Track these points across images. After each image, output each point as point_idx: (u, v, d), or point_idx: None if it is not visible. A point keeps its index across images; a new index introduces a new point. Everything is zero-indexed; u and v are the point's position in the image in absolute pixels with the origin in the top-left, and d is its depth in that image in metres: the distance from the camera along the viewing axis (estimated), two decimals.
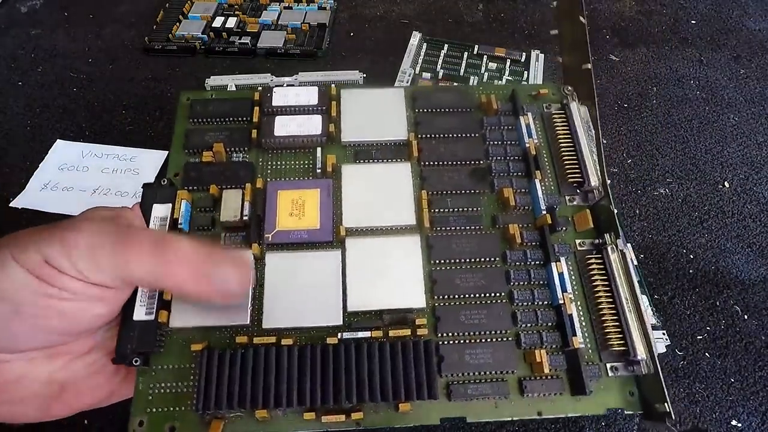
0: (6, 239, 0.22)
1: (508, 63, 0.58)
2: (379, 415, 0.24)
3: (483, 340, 0.25)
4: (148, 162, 0.49)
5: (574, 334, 0.25)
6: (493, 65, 0.57)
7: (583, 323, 0.26)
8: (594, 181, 0.28)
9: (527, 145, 0.30)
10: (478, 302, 0.26)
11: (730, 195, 0.48)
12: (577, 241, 0.28)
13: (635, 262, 0.41)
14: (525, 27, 0.64)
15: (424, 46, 0.60)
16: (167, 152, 0.50)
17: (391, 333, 0.25)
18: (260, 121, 0.30)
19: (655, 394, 0.24)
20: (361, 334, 0.25)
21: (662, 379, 0.23)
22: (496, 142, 0.30)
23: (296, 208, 0.28)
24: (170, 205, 0.27)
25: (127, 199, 0.46)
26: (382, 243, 0.27)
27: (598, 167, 0.28)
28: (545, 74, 0.57)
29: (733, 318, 0.40)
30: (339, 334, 0.25)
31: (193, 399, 0.24)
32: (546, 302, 0.27)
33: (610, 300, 0.26)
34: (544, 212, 0.28)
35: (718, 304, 0.41)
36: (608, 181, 0.29)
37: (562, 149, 0.30)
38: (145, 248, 0.22)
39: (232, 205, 0.27)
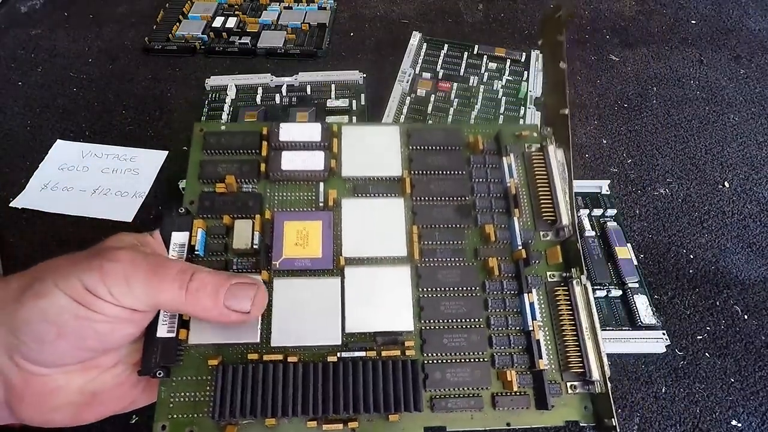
0: (47, 267, 0.25)
1: (508, 63, 0.58)
2: (371, 424, 0.27)
3: (462, 361, 0.29)
4: (148, 162, 0.49)
5: (540, 357, 0.28)
6: (493, 65, 0.57)
7: (549, 347, 0.30)
8: (565, 220, 0.31)
9: (508, 184, 0.33)
10: (459, 327, 0.30)
11: (730, 195, 0.48)
12: (548, 273, 0.31)
13: (635, 262, 0.41)
14: (525, 27, 0.64)
15: (424, 46, 0.60)
16: (167, 152, 0.50)
17: (383, 353, 0.28)
18: (268, 155, 0.33)
19: (605, 410, 0.27)
20: (357, 354, 0.28)
21: (611, 398, 0.27)
22: (480, 180, 0.33)
23: (301, 238, 0.30)
24: (188, 233, 0.30)
25: (127, 199, 0.46)
26: (376, 272, 0.30)
27: (569, 207, 0.31)
28: (545, 74, 0.57)
29: (733, 318, 0.40)
30: (338, 353, 0.28)
31: (209, 407, 0.26)
32: (518, 328, 0.30)
33: (573, 327, 0.29)
34: (520, 247, 0.31)
35: (718, 304, 0.41)
36: (577, 221, 0.32)
37: (539, 189, 0.33)
38: (173, 279, 0.25)
39: (244, 234, 0.30)
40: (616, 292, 0.40)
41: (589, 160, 0.50)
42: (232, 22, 0.61)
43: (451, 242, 0.31)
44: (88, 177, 0.48)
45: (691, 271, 0.43)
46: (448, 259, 0.31)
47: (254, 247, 0.30)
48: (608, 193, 0.46)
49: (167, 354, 0.27)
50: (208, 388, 0.27)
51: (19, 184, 0.47)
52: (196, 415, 0.27)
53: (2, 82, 0.56)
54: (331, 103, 0.53)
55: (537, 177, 0.33)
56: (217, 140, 0.33)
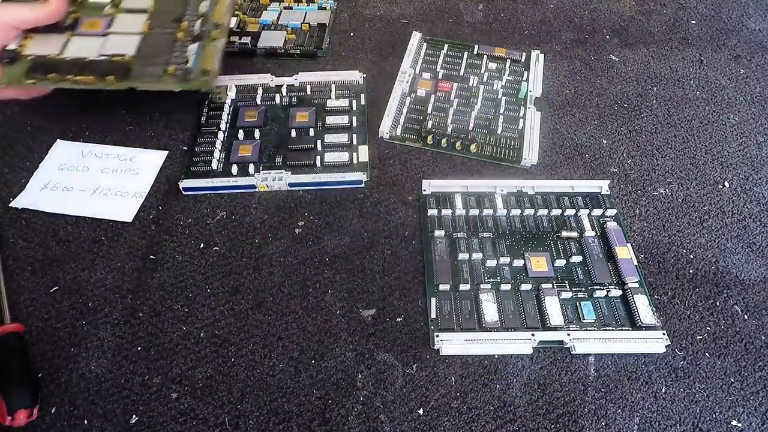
0: None
1: (508, 63, 0.58)
2: None
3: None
4: (148, 162, 0.49)
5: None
6: (493, 65, 0.57)
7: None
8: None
9: None
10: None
11: (730, 195, 0.48)
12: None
13: (635, 262, 0.41)
14: (525, 27, 0.64)
15: (424, 46, 0.60)
16: (167, 152, 0.50)
17: None
18: None
19: None
20: None
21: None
22: None
23: None
24: None
25: (127, 199, 0.46)
26: None
27: None
28: (545, 74, 0.57)
29: (733, 318, 0.40)
30: None
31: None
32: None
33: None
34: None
35: (718, 304, 0.41)
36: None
37: None
38: None
39: None
40: (616, 292, 0.40)
41: (589, 160, 0.50)
42: (232, 22, 0.61)
43: None
44: (88, 177, 0.48)
45: (691, 271, 0.43)
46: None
47: None
48: (608, 193, 0.46)
49: None
50: None
51: (19, 184, 0.47)
52: None
53: None
54: (331, 103, 0.53)
55: None
56: None
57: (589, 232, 0.43)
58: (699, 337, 0.39)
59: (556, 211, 0.45)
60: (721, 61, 0.60)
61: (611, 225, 0.44)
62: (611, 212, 0.45)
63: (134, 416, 0.35)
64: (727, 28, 0.64)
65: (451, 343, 0.37)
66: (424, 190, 0.46)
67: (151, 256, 0.42)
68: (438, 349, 0.37)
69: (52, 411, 0.35)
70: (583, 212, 0.45)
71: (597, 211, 0.45)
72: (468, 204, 0.45)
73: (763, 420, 0.36)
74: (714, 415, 0.36)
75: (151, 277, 0.41)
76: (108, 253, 0.43)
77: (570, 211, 0.45)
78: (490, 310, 0.38)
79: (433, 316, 0.39)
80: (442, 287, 0.40)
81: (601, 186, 0.46)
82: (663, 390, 0.37)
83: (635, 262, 0.42)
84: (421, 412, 0.35)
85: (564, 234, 0.43)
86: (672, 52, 0.61)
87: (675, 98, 0.56)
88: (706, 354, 0.38)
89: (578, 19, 0.65)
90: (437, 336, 0.37)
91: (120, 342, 0.38)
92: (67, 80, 0.46)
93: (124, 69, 0.47)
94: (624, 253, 0.42)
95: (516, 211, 0.45)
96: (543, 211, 0.44)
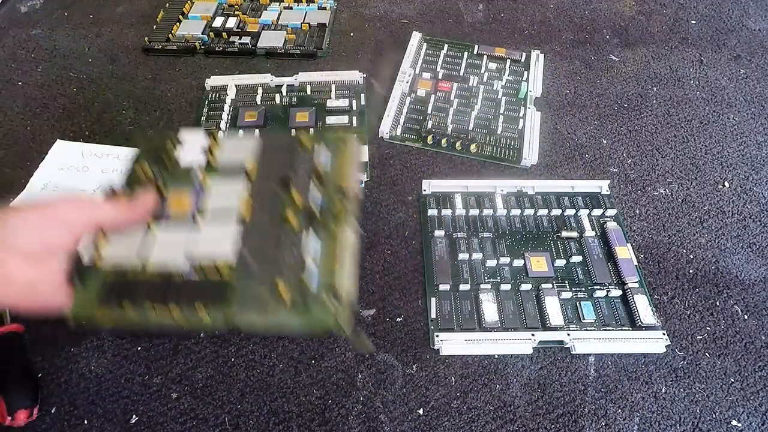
0: None
1: (508, 63, 0.58)
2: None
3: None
4: None
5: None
6: (493, 65, 0.57)
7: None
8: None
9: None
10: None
11: (730, 195, 0.48)
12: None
13: (635, 262, 0.41)
14: (525, 27, 0.64)
15: (424, 46, 0.60)
16: None
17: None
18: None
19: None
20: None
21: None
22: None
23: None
24: None
25: None
26: None
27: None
28: (545, 74, 0.57)
29: (733, 318, 0.40)
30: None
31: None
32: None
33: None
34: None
35: (718, 304, 0.41)
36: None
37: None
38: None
39: None
40: (616, 292, 0.40)
41: (589, 160, 0.50)
42: (232, 22, 0.61)
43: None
44: (88, 177, 0.48)
45: (691, 271, 0.43)
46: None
47: None
48: (608, 193, 0.46)
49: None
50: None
51: (19, 184, 0.47)
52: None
53: (2, 82, 0.56)
54: (331, 103, 0.53)
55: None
56: None
57: (589, 232, 0.43)
58: (699, 337, 0.39)
59: (556, 211, 0.45)
60: (721, 61, 0.60)
61: (611, 225, 0.44)
62: (611, 212, 0.45)
63: (134, 416, 0.35)
64: (727, 28, 0.64)
65: (451, 343, 0.37)
66: (424, 190, 0.46)
67: None
68: (438, 349, 0.37)
69: (52, 411, 0.35)
70: (583, 212, 0.45)
71: (597, 211, 0.45)
72: (468, 204, 0.45)
73: (763, 420, 0.36)
74: (714, 415, 0.36)
75: None
76: None
77: (570, 211, 0.45)
78: (490, 310, 0.38)
79: (433, 316, 0.39)
80: (442, 287, 0.40)
81: (601, 186, 0.46)
82: (663, 390, 0.37)
83: (635, 262, 0.42)
84: (421, 412, 0.35)
85: (564, 234, 0.43)
86: (672, 52, 0.61)
87: (675, 98, 0.56)
88: (706, 354, 0.38)
89: (578, 19, 0.65)
90: (437, 336, 0.37)
91: (120, 342, 0.38)
92: (145, 317, 0.29)
93: (220, 292, 0.29)
94: (624, 253, 0.42)
95: (516, 211, 0.45)
96: (543, 211, 0.44)
